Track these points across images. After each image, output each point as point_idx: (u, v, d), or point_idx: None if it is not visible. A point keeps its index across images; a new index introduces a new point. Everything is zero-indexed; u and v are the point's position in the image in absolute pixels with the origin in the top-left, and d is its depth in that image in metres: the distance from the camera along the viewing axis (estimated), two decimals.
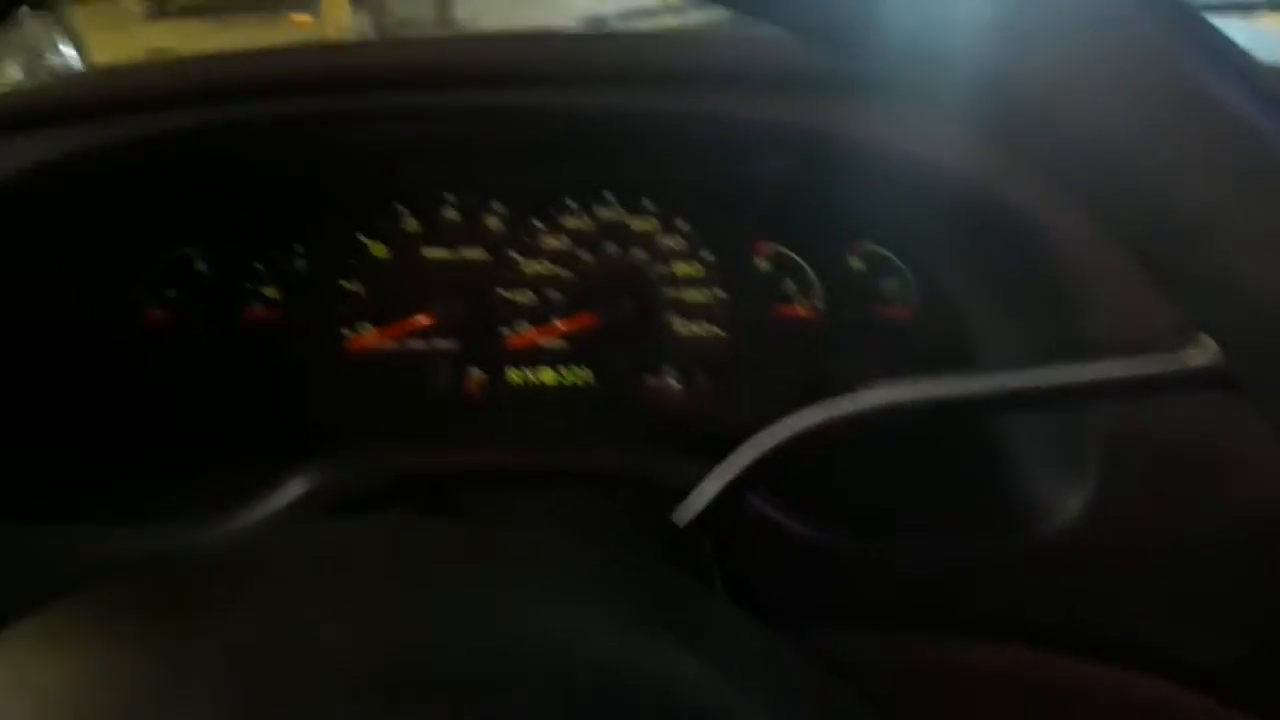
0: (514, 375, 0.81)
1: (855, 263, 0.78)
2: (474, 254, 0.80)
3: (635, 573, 0.37)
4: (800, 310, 0.79)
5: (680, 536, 0.57)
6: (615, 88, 0.58)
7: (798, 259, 0.79)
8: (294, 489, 0.63)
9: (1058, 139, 0.23)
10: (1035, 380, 0.47)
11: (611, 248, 0.80)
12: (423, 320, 0.80)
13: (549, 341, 0.81)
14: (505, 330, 0.81)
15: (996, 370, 0.73)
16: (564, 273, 0.80)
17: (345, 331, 0.80)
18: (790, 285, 0.79)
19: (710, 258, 0.79)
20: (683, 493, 0.58)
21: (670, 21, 1.02)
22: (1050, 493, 0.61)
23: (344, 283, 0.80)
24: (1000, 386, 0.48)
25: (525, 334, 0.80)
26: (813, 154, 0.63)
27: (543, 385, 0.81)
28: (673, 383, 0.79)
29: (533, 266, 0.80)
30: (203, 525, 0.63)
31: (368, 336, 0.80)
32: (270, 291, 0.80)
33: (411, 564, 0.34)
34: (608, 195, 0.79)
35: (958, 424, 0.69)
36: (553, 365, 0.81)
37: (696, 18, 0.98)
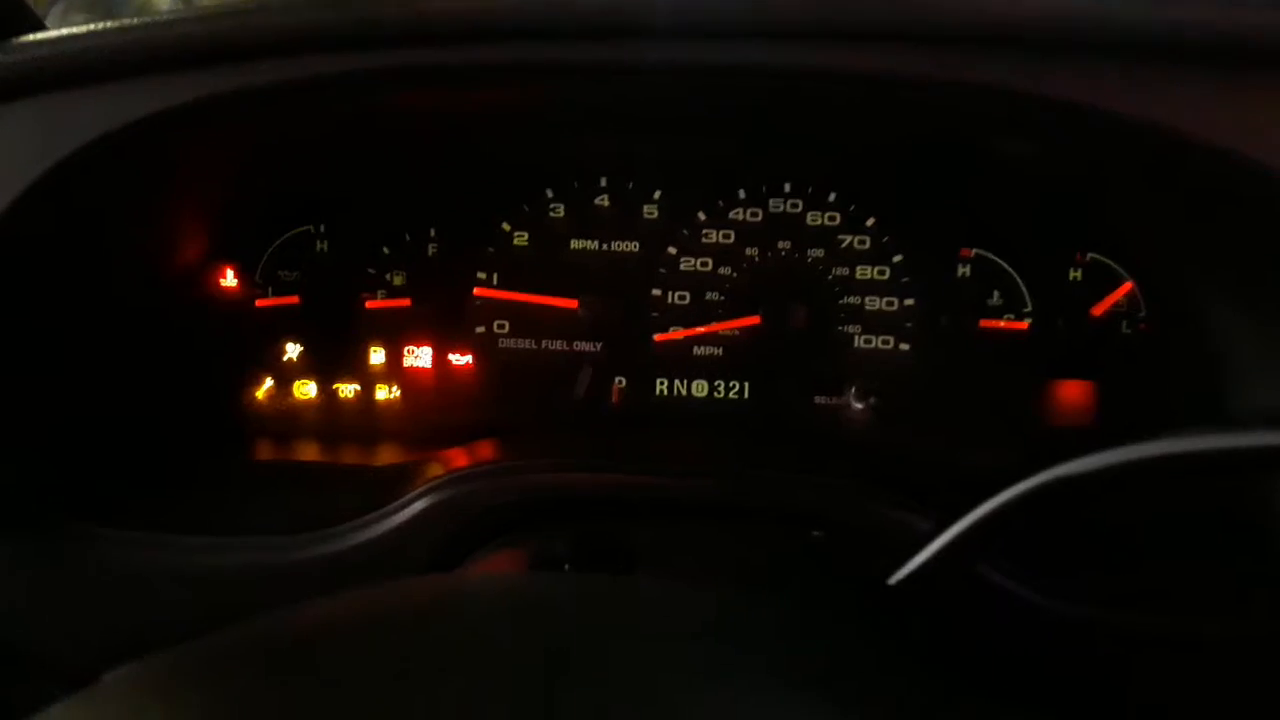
0: (662, 386, 0.71)
1: (1074, 273, 0.67)
2: (626, 247, 0.71)
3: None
4: (1007, 325, 0.68)
5: (892, 595, 0.46)
6: (849, 45, 0.45)
7: (1007, 267, 0.67)
8: (422, 502, 0.54)
9: None
10: None
11: (784, 245, 0.69)
12: (562, 303, 0.71)
13: (704, 350, 0.71)
14: (656, 334, 0.71)
15: (1252, 398, 0.61)
16: (727, 271, 0.70)
17: (478, 329, 0.71)
18: (996, 296, 0.68)
19: (902, 261, 0.68)
20: (879, 538, 0.49)
21: None
22: None
23: (480, 274, 0.71)
24: None
25: (678, 338, 0.71)
26: (1066, 136, 0.51)
27: (693, 399, 0.71)
28: (853, 403, 0.68)
29: (691, 263, 0.70)
30: (323, 541, 0.55)
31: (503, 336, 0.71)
32: (397, 279, 0.72)
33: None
34: (786, 186, 0.69)
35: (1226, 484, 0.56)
36: (708, 378, 0.71)
37: None
